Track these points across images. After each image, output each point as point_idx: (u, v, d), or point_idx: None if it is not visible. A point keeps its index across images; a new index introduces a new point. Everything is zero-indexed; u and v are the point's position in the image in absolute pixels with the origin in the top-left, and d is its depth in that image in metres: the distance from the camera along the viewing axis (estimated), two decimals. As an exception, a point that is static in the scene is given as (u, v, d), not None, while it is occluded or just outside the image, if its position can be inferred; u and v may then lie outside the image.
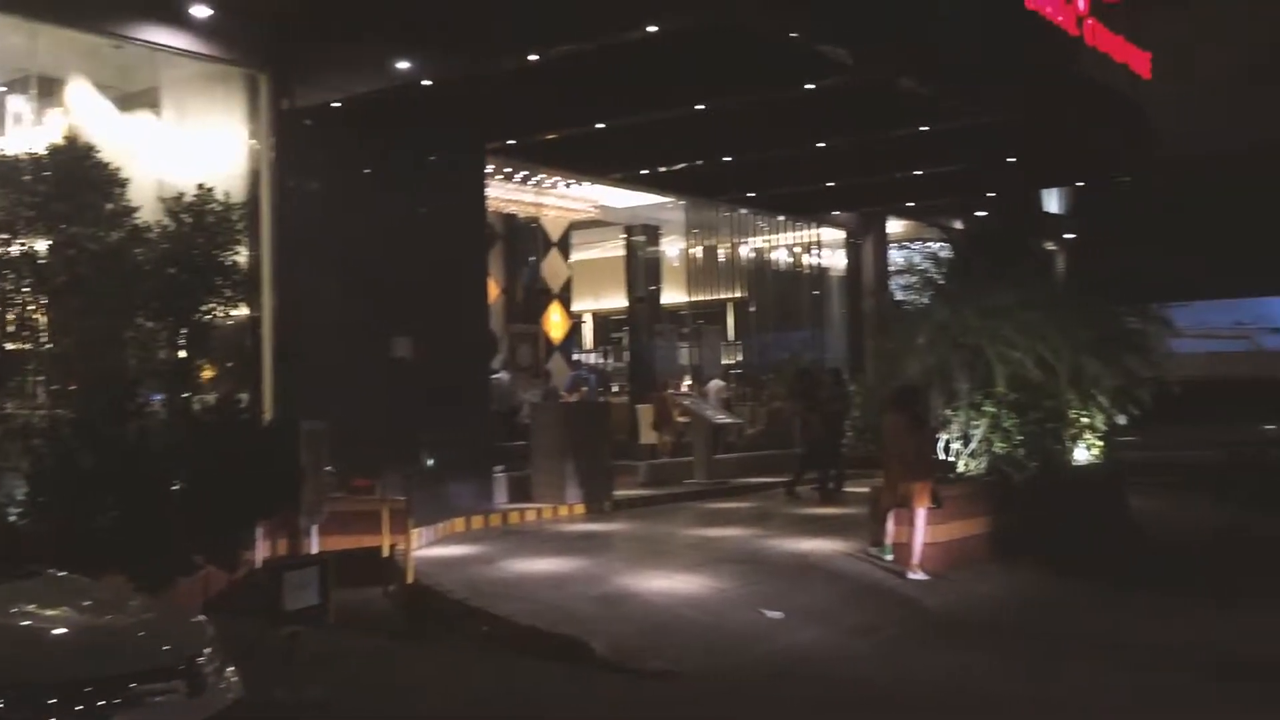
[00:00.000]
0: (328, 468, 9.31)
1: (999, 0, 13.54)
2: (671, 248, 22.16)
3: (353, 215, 12.18)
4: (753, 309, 21.39)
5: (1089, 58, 15.78)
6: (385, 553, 9.63)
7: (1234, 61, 25.43)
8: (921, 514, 10.29)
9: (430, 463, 12.27)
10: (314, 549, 8.61)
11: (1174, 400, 13.78)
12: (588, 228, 21.47)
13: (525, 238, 20.36)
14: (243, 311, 11.07)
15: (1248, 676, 7.40)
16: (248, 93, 11.83)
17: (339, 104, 11.76)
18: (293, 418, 9.39)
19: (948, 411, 11.94)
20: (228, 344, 11.10)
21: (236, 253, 9.96)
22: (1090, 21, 15.56)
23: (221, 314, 9.90)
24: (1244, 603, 9.63)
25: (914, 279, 14.04)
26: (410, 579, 9.31)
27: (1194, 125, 23.54)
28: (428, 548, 11.04)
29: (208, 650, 4.55)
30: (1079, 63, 15.63)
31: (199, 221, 9.41)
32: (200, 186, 9.57)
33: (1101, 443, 13.16)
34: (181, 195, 9.54)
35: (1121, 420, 12.93)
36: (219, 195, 9.77)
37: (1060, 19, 14.73)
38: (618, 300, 22.69)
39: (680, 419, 17.44)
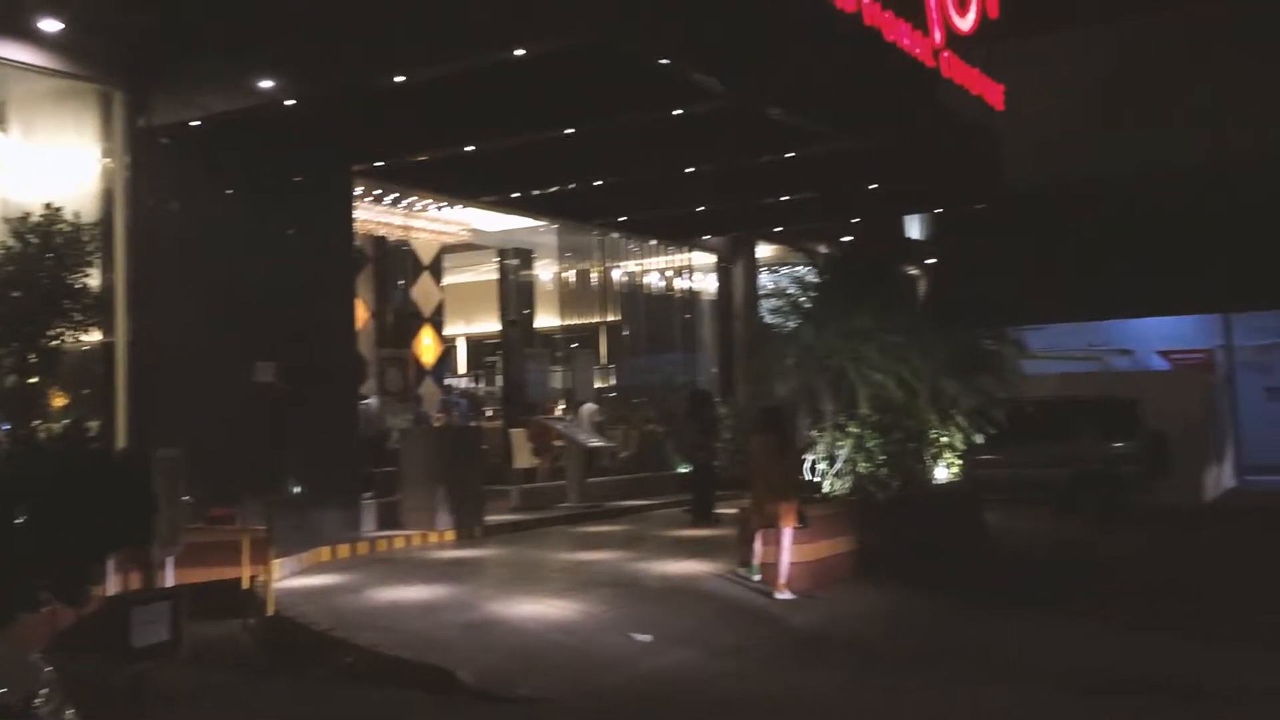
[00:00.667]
0: (185, 497, 9.01)
1: (860, 34, 13.89)
2: (545, 271, 22.15)
3: (214, 237, 11.87)
4: (625, 332, 21.52)
5: (946, 89, 16.35)
6: (245, 584, 9.36)
7: (1082, 95, 26.63)
8: (788, 534, 10.45)
9: (295, 490, 11.98)
10: (169, 582, 8.31)
11: (1028, 419, 14.36)
12: (460, 251, 21.30)
13: (396, 261, 20.08)
14: (96, 336, 10.71)
15: (1102, 690, 7.68)
16: (102, 110, 11.45)
17: (198, 122, 11.46)
18: (147, 446, 9.09)
19: (813, 432, 12.19)
20: (80, 370, 10.72)
21: (87, 275, 9.62)
22: (946, 54, 16.13)
23: (72, 339, 9.56)
24: (1081, 611, 10.09)
25: (781, 302, 14.31)
26: (271, 611, 9.07)
27: (1046, 155, 24.57)
28: (292, 578, 10.77)
29: (44, 691, 4.35)
30: (937, 94, 16.18)
31: (46, 243, 9.08)
32: (48, 206, 9.22)
33: (960, 461, 13.59)
34: (28, 215, 9.18)
35: (979, 439, 13.37)
36: (69, 215, 9.43)
37: (918, 51, 15.23)
38: (491, 324, 22.55)
39: (556, 443, 17.42)
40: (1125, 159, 25.50)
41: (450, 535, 13.67)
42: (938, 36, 16.00)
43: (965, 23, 16.86)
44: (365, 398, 16.43)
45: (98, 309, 9.99)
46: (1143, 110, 26.32)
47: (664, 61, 10.93)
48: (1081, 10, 26.36)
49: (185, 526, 8.94)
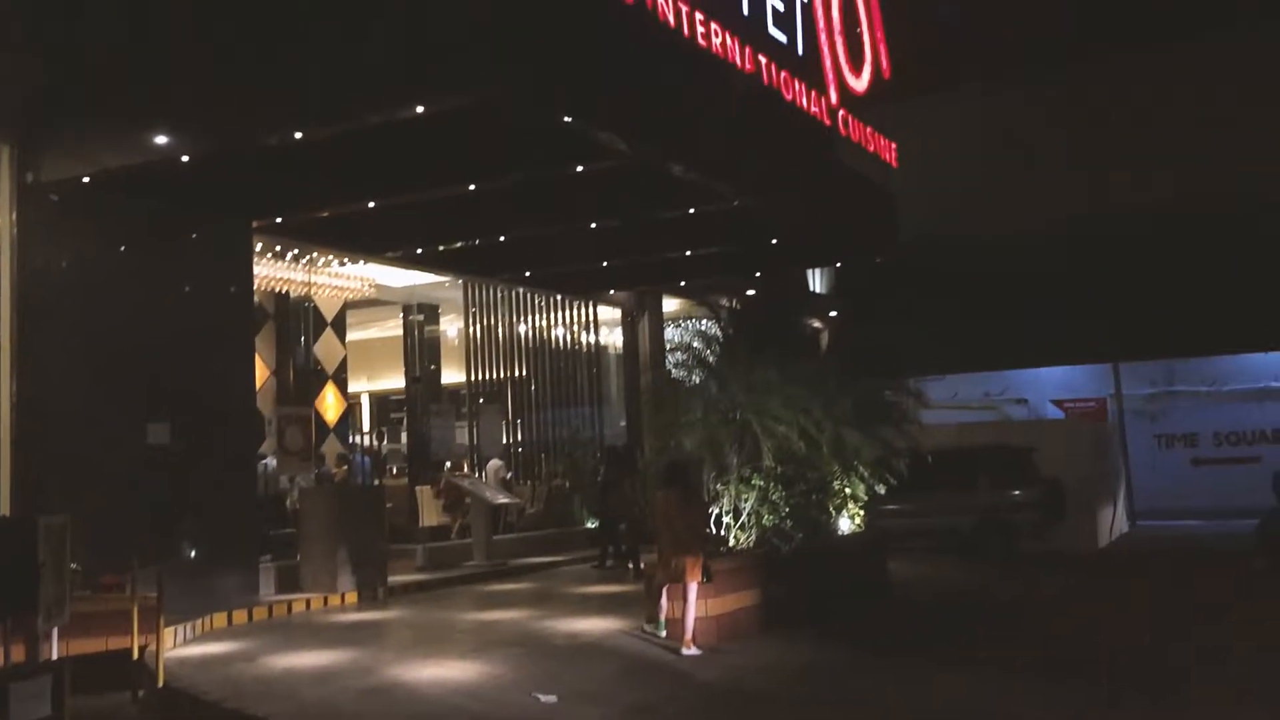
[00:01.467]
0: (72, 565, 8.70)
1: (760, 93, 14.20)
2: (450, 326, 22.00)
3: (106, 295, 11.59)
4: (532, 387, 21.43)
5: (844, 147, 16.78)
6: (135, 655, 9.05)
7: (973, 152, 27.53)
8: (693, 589, 10.44)
9: (190, 554, 11.66)
10: (53, 654, 7.99)
11: (929, 469, 14.61)
12: (364, 306, 21.07)
13: (298, 317, 19.79)
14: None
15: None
16: (-12, 166, 11.17)
17: (90, 178, 11.22)
18: (32, 511, 8.78)
19: (718, 486, 12.24)
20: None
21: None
22: (843, 113, 16.56)
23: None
24: (986, 661, 10.25)
25: (686, 356, 14.39)
26: (161, 682, 8.75)
27: (940, 209, 25.33)
28: (185, 646, 10.43)
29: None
30: (835, 151, 16.60)
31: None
32: (-72, 264, 8.93)
33: (863, 512, 13.75)
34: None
35: (881, 490, 13.55)
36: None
37: (815, 110, 15.61)
38: (396, 380, 22.30)
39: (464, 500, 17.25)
40: (1014, 213, 26.43)
41: (352, 597, 13.40)
42: (834, 96, 16.44)
43: (860, 83, 17.36)
44: (264, 457, 16.10)
45: (-19, 371, 9.67)
46: (1030, 166, 27.33)
47: (566, 119, 11.02)
48: (969, 71, 27.31)
49: (72, 595, 8.63)
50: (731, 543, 12.30)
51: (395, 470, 21.61)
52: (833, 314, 25.79)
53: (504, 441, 20.50)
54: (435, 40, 9.60)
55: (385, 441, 23.02)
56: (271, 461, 16.15)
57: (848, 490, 13.37)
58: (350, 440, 20.87)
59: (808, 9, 16.28)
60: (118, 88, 10.67)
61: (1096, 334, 25.33)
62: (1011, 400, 27.32)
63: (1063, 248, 25.95)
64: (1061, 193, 26.66)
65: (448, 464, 19.09)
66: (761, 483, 12.25)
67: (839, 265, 25.09)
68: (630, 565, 15.43)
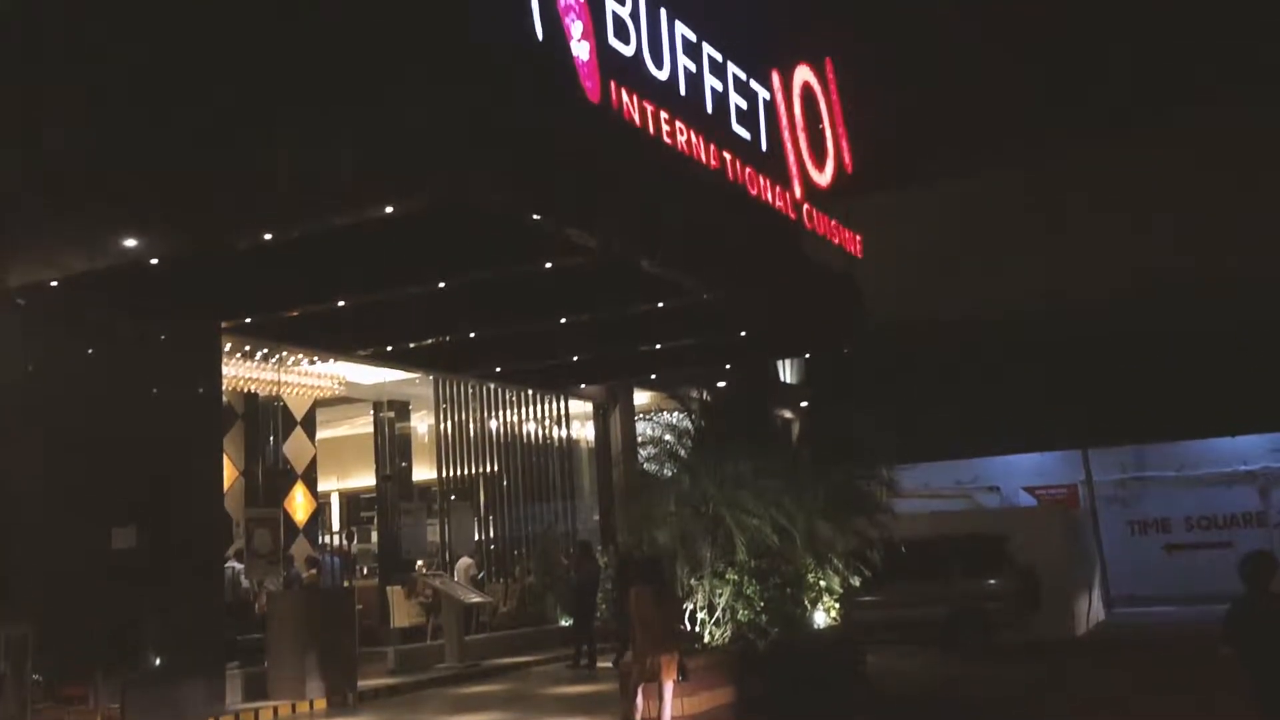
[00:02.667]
0: (35, 676, 8.52)
1: (726, 189, 14.44)
2: (421, 423, 21.90)
3: (73, 398, 11.51)
4: (504, 483, 21.29)
5: (809, 240, 17.04)
6: (97, 768, 8.80)
7: (939, 242, 27.98)
8: (669, 687, 10.28)
9: (155, 663, 11.41)
10: (11, 770, 7.77)
11: (903, 559, 14.57)
12: (334, 404, 20.98)
13: (267, 416, 19.67)
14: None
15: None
16: (-47, 271, 11.15)
17: (58, 282, 11.21)
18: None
19: (692, 581, 12.14)
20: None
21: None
22: (807, 206, 16.85)
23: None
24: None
25: (657, 450, 14.38)
26: (124, 796, 8.51)
27: (908, 299, 25.65)
28: (148, 758, 10.16)
29: None
30: (800, 244, 16.84)
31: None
32: (-109, 372, 8.85)
33: (838, 605, 13.64)
34: None
35: (856, 582, 13.48)
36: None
37: (780, 204, 15.88)
38: (366, 478, 22.11)
39: (423, 598, 17.01)
40: (979, 300, 26.79)
41: (321, 704, 13.12)
42: (798, 190, 16.75)
43: (823, 177, 17.70)
44: (231, 560, 15.85)
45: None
46: (995, 256, 27.78)
47: (535, 217, 11.15)
48: (929, 161, 27.88)
49: (33, 707, 8.43)
50: (706, 639, 12.16)
51: (365, 570, 21.31)
52: (803, 404, 25.89)
53: (476, 538, 20.30)
54: (401, 142, 9.72)
55: (355, 541, 22.71)
56: (239, 566, 15.91)
57: (822, 583, 13.28)
58: (320, 541, 20.59)
59: (770, 107, 16.66)
60: (85, 193, 10.73)
61: (1065, 419, 25.53)
62: (983, 488, 27.39)
63: (1028, 333, 26.29)
64: (1024, 278, 27.08)
65: (420, 563, 18.86)
66: (735, 577, 12.16)
67: (808, 356, 25.29)
68: (571, 666, 15.48)
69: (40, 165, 10.94)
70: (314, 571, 16.13)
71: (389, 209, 10.18)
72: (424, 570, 18.05)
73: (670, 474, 13.65)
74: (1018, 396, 25.50)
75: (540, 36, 11.01)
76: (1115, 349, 25.35)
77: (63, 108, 10.91)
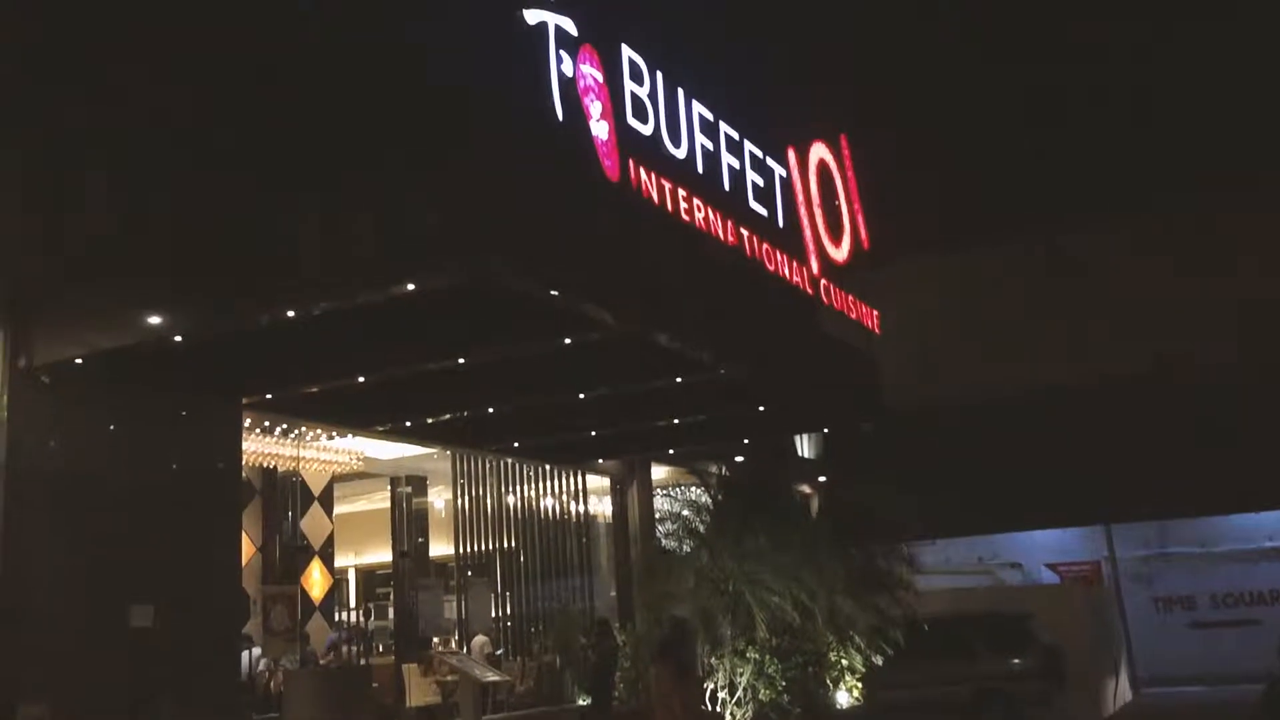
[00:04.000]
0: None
1: (743, 265, 14.54)
2: (438, 498, 21.86)
3: (94, 474, 11.55)
4: (521, 558, 21.16)
5: (826, 315, 17.09)
6: None
7: (957, 317, 28.03)
8: (690, 768, 10.12)
9: (169, 742, 11.29)
10: None
11: (925, 638, 14.39)
12: (351, 479, 20.99)
13: (285, 492, 19.69)
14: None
15: None
16: (-19, 350, 11.26)
17: (81, 360, 11.31)
18: (11, 700, 8.55)
19: (713, 659, 12.02)
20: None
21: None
22: (825, 282, 16.93)
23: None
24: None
25: (676, 526, 14.33)
26: None
27: (926, 374, 25.63)
28: (161, 841, 10.01)
29: None
30: (818, 320, 16.89)
31: (-88, 488, 8.72)
32: (-83, 450, 8.91)
33: (861, 684, 13.47)
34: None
35: (878, 660, 13.32)
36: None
37: (797, 280, 15.97)
38: (383, 554, 22.03)
39: (450, 677, 16.80)
40: (999, 376, 26.74)
41: (337, 784, 12.94)
42: (815, 266, 16.84)
43: (840, 253, 17.80)
44: (248, 639, 15.76)
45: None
46: (1016, 331, 27.79)
47: (553, 293, 11.23)
48: (948, 237, 28.05)
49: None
50: (728, 719, 12.01)
51: (381, 648, 21.14)
52: (821, 479, 25.76)
53: (493, 615, 20.13)
54: (420, 221, 9.84)
55: (373, 618, 22.56)
56: (256, 651, 15.80)
57: (844, 661, 13.14)
58: (337, 618, 20.46)
59: (786, 184, 16.81)
60: (110, 271, 10.86)
61: (1087, 495, 25.32)
62: (1005, 564, 27.09)
63: (1048, 409, 26.19)
64: (1044, 355, 27.07)
65: (436, 641, 18.70)
66: (756, 655, 12.06)
67: (826, 431, 25.22)
68: None
69: (65, 245, 11.10)
70: (332, 656, 16.00)
71: (410, 286, 10.26)
72: (441, 648, 17.89)
73: (689, 550, 13.59)
74: (1039, 472, 25.32)
75: (560, 117, 11.18)
76: (1137, 424, 25.20)
77: (87, 189, 11.11)
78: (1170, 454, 24.63)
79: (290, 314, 10.93)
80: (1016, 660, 17.35)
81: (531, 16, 10.99)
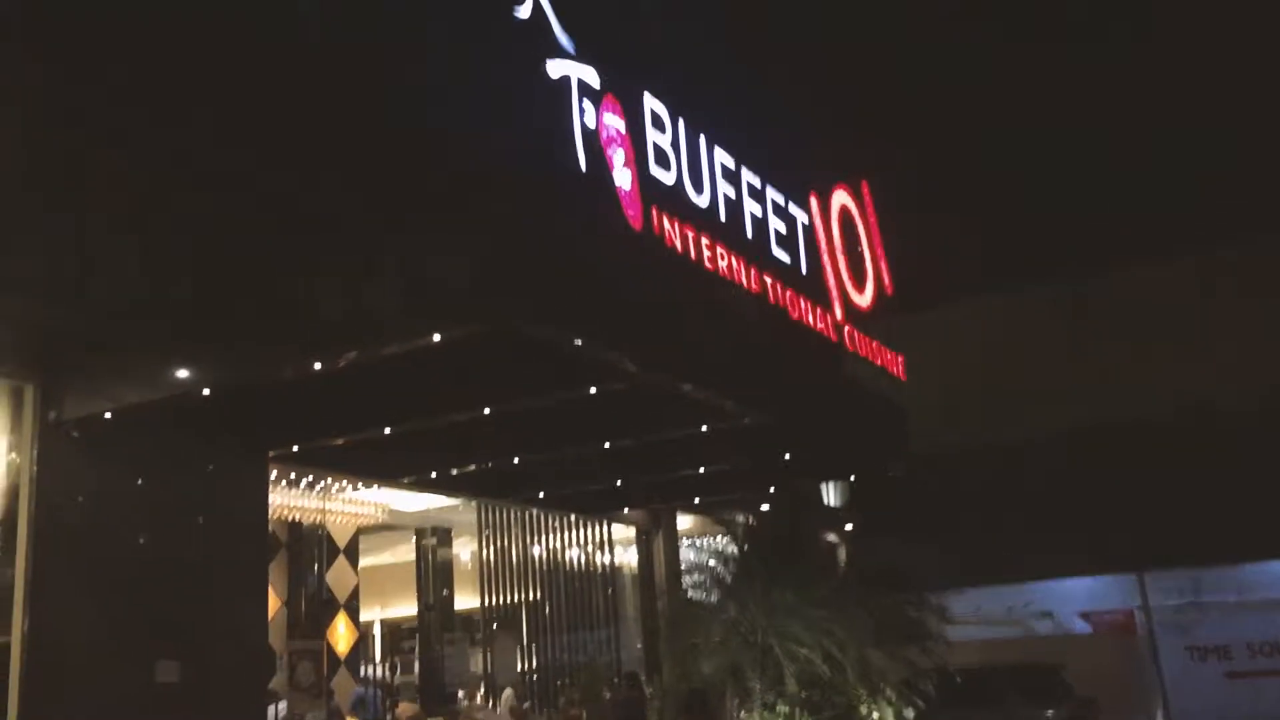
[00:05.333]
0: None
1: (767, 312, 14.53)
2: (464, 549, 21.80)
3: (121, 529, 11.56)
4: (547, 610, 21.03)
5: (851, 361, 17.03)
6: None
7: (980, 362, 27.89)
8: (720, 825, 9.97)
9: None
10: None
11: (957, 689, 14.15)
12: (377, 531, 20.96)
13: (310, 545, 19.67)
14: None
15: None
16: (12, 405, 11.29)
17: (111, 414, 11.37)
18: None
19: (741, 714, 11.85)
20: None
21: (-16, 576, 9.26)
22: (849, 329, 16.89)
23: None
24: None
25: (702, 577, 14.20)
26: None
27: (951, 420, 25.45)
28: None
29: None
30: (843, 367, 16.84)
31: (-58, 543, 8.74)
32: (-52, 506, 8.95)
33: (892, 740, 13.24)
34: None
35: (910, 714, 13.09)
36: (-30, 516, 9.17)
37: (821, 327, 15.94)
38: (409, 607, 21.93)
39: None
40: (1027, 421, 26.54)
41: (362, 841, 12.79)
42: (839, 312, 16.82)
43: (864, 299, 17.78)
44: (274, 694, 15.67)
45: (-8, 611, 9.55)
46: (1039, 374, 27.61)
47: (577, 343, 11.23)
48: (972, 281, 28.00)
49: None
50: (758, 774, 11.82)
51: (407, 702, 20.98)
52: (848, 527, 25.54)
53: (519, 668, 19.97)
54: (444, 273, 9.88)
55: (398, 673, 22.41)
56: (283, 706, 15.69)
57: (875, 715, 12.90)
58: (362, 673, 20.34)
59: (809, 230, 16.84)
60: (138, 327, 10.94)
61: (1119, 543, 24.99)
62: (1036, 614, 26.67)
63: (1077, 454, 25.93)
64: (1075, 399, 26.86)
65: (462, 694, 18.54)
66: (786, 709, 11.87)
67: (853, 479, 25.04)
68: None
69: (94, 301, 11.19)
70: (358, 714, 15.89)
71: (435, 338, 10.28)
72: (467, 702, 17.74)
73: (716, 601, 13.45)
74: (1069, 519, 25.03)
75: (584, 167, 11.26)
76: (1171, 469, 24.89)
77: (115, 248, 11.21)
78: (1204, 499, 24.28)
79: (316, 366, 10.98)
80: (1050, 711, 17.06)
81: (554, 69, 11.11)
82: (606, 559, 22.35)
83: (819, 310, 16.08)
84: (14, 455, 11.18)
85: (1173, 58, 25.27)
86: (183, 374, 10.93)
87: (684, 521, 23.45)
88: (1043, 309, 28.50)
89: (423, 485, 17.78)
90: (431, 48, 10.40)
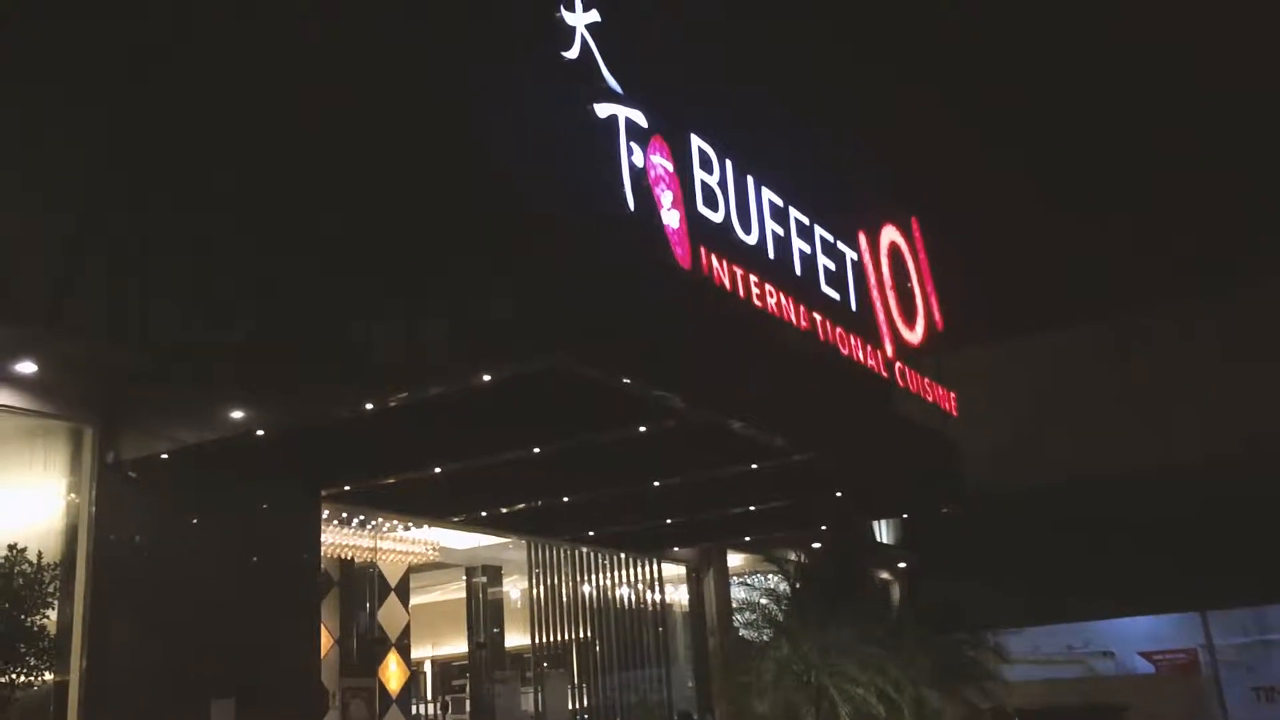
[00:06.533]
0: None
1: (818, 350, 14.47)
2: (514, 588, 21.80)
3: (177, 569, 11.69)
4: (598, 648, 20.94)
5: (902, 398, 16.89)
6: None
7: (1038, 399, 27.55)
8: None
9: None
10: None
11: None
12: (427, 570, 21.02)
13: (362, 583, 19.76)
14: (48, 677, 10.31)
15: None
16: (72, 446, 11.51)
17: (168, 455, 11.53)
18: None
19: (796, 754, 11.72)
20: (28, 712, 10.25)
21: (45, 617, 9.39)
22: (900, 365, 16.76)
23: (23, 681, 9.22)
24: None
25: (754, 615, 14.08)
26: None
27: (1008, 457, 25.12)
28: None
29: None
30: (894, 403, 16.70)
31: (6, 585, 8.89)
32: (11, 548, 9.11)
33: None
34: (-11, 557, 9.06)
35: (968, 754, 12.88)
36: (32, 555, 9.32)
37: (871, 364, 15.83)
38: (459, 645, 21.94)
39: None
40: (1083, 460, 26.15)
41: None
42: (889, 349, 16.71)
43: (914, 335, 17.66)
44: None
45: (53, 651, 9.67)
46: (1104, 412, 27.23)
47: (626, 381, 11.23)
48: (1024, 319, 27.71)
49: None
50: (812, 817, 11.65)
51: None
52: (902, 565, 25.24)
53: (570, 707, 19.87)
54: (495, 313, 9.93)
55: (449, 711, 22.40)
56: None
57: (932, 755, 12.71)
58: (414, 712, 20.34)
59: (858, 267, 16.77)
60: (195, 369, 11.11)
61: (1181, 580, 24.47)
62: (1097, 653, 26.13)
63: (1138, 492, 25.48)
64: (1134, 437, 26.44)
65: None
66: (841, 750, 11.71)
67: (906, 517, 24.79)
68: None
69: (153, 345, 11.38)
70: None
71: (486, 378, 10.33)
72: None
73: (768, 640, 13.32)
74: (1130, 557, 24.56)
75: (632, 207, 11.31)
76: (1231, 507, 24.37)
77: (172, 291, 11.43)
78: (1266, 537, 23.73)
79: (368, 407, 11.07)
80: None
81: (602, 110, 11.19)
82: (657, 597, 22.24)
83: (869, 347, 15.98)
84: (73, 496, 11.37)
85: (1217, 103, 25.03)
86: (238, 415, 11.08)
87: (734, 559, 23.29)
88: (1098, 347, 28.15)
89: (473, 524, 17.84)
90: (480, 90, 10.53)
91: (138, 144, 11.26)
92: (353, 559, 18.51)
